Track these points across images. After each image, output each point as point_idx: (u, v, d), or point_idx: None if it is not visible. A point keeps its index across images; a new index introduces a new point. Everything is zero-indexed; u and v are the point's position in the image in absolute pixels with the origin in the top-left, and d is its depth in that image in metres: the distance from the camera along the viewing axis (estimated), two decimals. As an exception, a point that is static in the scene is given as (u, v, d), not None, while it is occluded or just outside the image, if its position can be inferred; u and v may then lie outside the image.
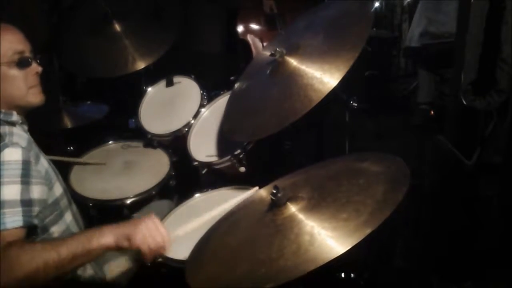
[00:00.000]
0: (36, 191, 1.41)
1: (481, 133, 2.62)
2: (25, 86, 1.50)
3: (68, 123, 2.50)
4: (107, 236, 1.34)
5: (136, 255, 1.41)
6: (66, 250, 1.29)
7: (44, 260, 1.26)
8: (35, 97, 1.53)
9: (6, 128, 1.44)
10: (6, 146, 1.38)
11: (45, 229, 1.51)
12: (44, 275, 1.26)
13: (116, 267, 1.65)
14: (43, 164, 1.52)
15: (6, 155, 1.36)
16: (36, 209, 1.40)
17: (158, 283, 1.66)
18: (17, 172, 1.36)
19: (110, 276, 1.67)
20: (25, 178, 1.38)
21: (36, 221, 1.40)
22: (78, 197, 1.95)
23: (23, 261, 1.25)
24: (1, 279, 1.21)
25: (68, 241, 1.32)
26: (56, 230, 1.54)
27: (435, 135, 2.99)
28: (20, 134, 1.47)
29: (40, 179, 1.45)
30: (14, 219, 1.32)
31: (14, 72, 1.47)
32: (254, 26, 3.18)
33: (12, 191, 1.34)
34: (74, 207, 1.70)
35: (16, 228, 1.32)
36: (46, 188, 1.48)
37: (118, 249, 1.37)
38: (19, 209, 1.34)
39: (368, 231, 1.11)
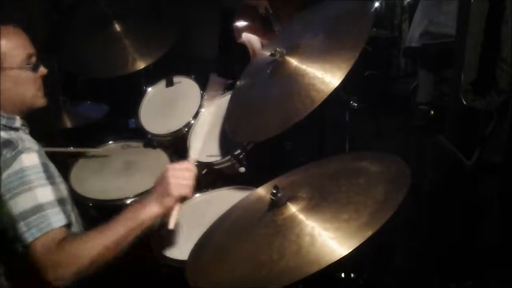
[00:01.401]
0: (63, 189, 1.48)
1: (481, 133, 2.61)
2: (35, 89, 1.54)
3: (68, 123, 2.51)
4: (152, 206, 1.39)
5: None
6: (123, 228, 1.35)
7: (103, 243, 1.32)
8: (40, 99, 1.57)
9: (13, 134, 1.45)
10: (21, 152, 1.39)
11: None
12: (106, 258, 1.33)
13: None
14: (52, 167, 1.54)
15: (24, 161, 1.38)
16: (69, 207, 1.47)
17: (158, 283, 1.66)
18: (41, 175, 1.40)
19: None
20: (51, 179, 1.42)
21: (72, 217, 1.46)
22: (78, 197, 1.94)
23: (83, 251, 1.31)
24: (66, 273, 1.28)
25: (121, 220, 1.37)
26: None
27: (435, 135, 2.99)
28: (29, 139, 1.49)
29: (59, 178, 1.51)
30: (58, 218, 1.36)
31: (27, 74, 1.50)
32: (251, 28, 3.17)
33: (46, 193, 1.38)
34: (75, 210, 1.70)
35: (61, 226, 1.36)
36: (64, 185, 1.55)
37: (169, 209, 1.41)
38: (58, 208, 1.38)
39: (370, 233, 1.11)
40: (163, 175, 1.43)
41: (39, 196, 1.36)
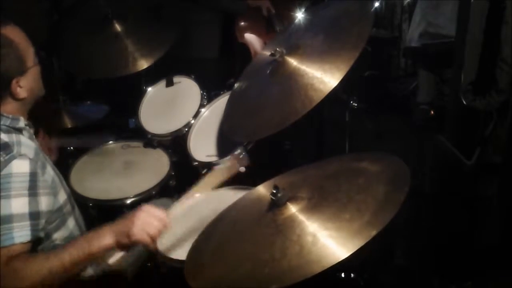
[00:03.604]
0: (44, 203, 1.42)
1: (481, 133, 2.61)
2: (41, 81, 1.55)
3: (68, 123, 2.50)
4: (106, 237, 1.35)
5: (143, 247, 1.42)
6: (68, 257, 1.32)
7: (48, 269, 1.29)
8: (42, 89, 1.57)
9: (13, 137, 1.43)
10: (14, 157, 1.37)
11: (48, 235, 1.50)
12: (50, 282, 1.30)
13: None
14: (49, 172, 1.51)
15: (14, 167, 1.36)
16: (43, 221, 1.41)
17: (158, 283, 1.66)
18: (24, 185, 1.37)
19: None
20: (33, 190, 1.38)
21: (42, 234, 1.42)
22: (78, 197, 1.94)
23: (29, 273, 1.28)
24: None
25: (69, 248, 1.34)
26: (58, 236, 1.54)
27: (435, 135, 2.99)
28: (27, 144, 1.45)
29: (47, 189, 1.45)
30: (22, 234, 1.33)
31: (38, 69, 1.52)
32: (254, 28, 3.17)
33: (20, 204, 1.35)
34: (77, 211, 1.70)
35: (23, 242, 1.33)
36: (52, 197, 1.49)
37: (120, 247, 1.38)
38: (27, 223, 1.35)
39: (373, 232, 1.10)
40: (134, 213, 1.39)
41: (13, 206, 1.33)
